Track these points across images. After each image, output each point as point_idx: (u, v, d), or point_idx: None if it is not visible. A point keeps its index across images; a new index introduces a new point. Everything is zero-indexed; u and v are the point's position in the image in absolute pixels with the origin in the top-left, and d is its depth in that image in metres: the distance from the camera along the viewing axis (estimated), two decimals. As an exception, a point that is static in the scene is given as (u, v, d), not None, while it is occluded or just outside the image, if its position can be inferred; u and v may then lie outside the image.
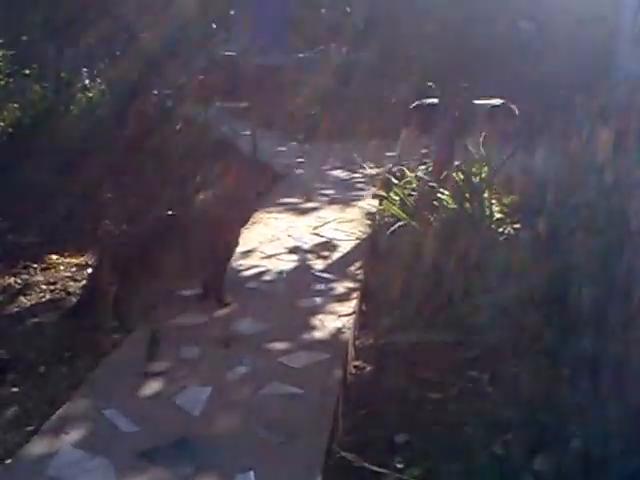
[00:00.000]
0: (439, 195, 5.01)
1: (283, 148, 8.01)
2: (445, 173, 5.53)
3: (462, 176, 5.45)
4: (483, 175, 5.64)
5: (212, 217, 3.48)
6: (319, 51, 10.75)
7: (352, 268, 4.03)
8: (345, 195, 5.81)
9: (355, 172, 6.74)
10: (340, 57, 10.47)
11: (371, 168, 6.88)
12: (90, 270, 4.15)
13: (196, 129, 8.50)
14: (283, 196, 5.79)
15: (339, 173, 6.69)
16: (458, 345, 3.32)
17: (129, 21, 7.96)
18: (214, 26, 9.74)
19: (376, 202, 5.59)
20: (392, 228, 3.88)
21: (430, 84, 8.39)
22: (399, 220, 4.31)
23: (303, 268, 4.02)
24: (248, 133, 7.95)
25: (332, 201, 5.62)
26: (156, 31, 8.10)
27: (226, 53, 11.01)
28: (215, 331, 3.10)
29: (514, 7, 10.95)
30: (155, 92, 8.25)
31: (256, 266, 4.00)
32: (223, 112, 10.19)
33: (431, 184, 5.34)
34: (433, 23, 9.59)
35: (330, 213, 5.26)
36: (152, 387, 2.63)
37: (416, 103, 6.94)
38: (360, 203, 5.56)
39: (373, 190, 5.99)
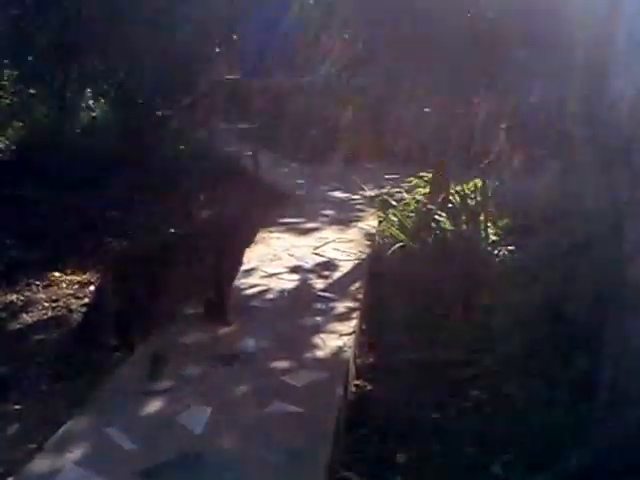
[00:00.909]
0: (436, 217, 5.04)
1: (285, 169, 8.04)
2: (442, 196, 5.57)
3: (459, 199, 5.48)
4: (479, 198, 5.67)
5: (216, 236, 3.47)
6: (320, 75, 10.80)
7: (352, 288, 4.02)
8: (345, 216, 5.82)
9: (355, 193, 6.76)
10: (340, 82, 10.52)
11: (370, 189, 6.90)
12: (93, 288, 4.14)
13: (199, 149, 8.54)
14: (285, 216, 5.80)
15: (339, 194, 6.71)
16: (458, 364, 3.31)
17: (134, 43, 7.99)
18: (217, 50, 9.82)
19: (375, 223, 5.60)
20: (392, 249, 3.87)
21: (427, 109, 8.47)
22: (398, 241, 4.33)
23: (304, 287, 4.01)
24: (250, 154, 7.99)
25: (332, 221, 5.63)
26: (160, 53, 8.15)
27: (229, 76, 11.09)
28: (218, 349, 3.09)
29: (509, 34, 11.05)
30: (159, 113, 8.29)
31: (258, 285, 3.99)
32: (226, 133, 10.24)
33: (429, 206, 5.37)
34: (433, 48, 9.66)
35: (330, 233, 5.26)
36: (154, 406, 2.61)
37: None
38: (360, 224, 5.57)
39: (372, 211, 6.00)
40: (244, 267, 4.29)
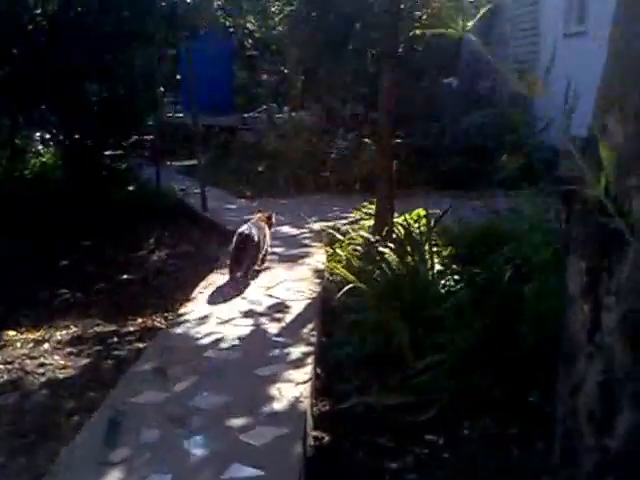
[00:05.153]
0: (382, 250, 4.98)
1: (232, 205, 7.88)
2: (387, 228, 5.51)
3: (402, 230, 5.43)
4: (422, 228, 5.63)
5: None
6: (262, 110, 10.75)
7: (305, 330, 3.90)
8: (294, 252, 5.71)
9: (302, 227, 6.65)
10: (282, 116, 10.48)
11: (316, 222, 6.82)
12: (48, 345, 3.93)
13: (148, 189, 8.33)
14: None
15: (287, 229, 6.59)
16: (412, 407, 3.22)
17: (80, 86, 7.77)
18: (162, 89, 9.65)
19: (323, 258, 5.51)
20: (340, 293, 3.77)
21: (367, 140, 8.48)
22: (346, 281, 4.23)
23: (258, 333, 3.88)
24: (198, 191, 7.82)
25: (282, 258, 5.51)
26: (106, 94, 7.95)
27: (174, 115, 10.92)
28: (173, 409, 2.93)
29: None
30: (107, 153, 8.04)
31: (212, 333, 3.83)
32: (173, 171, 10.04)
33: (374, 239, 5.30)
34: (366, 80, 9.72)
35: (281, 271, 5.14)
36: (113, 477, 2.44)
37: None
38: (308, 260, 5.46)
39: (320, 245, 5.91)
40: (198, 314, 4.16)
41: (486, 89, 11.35)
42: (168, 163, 10.31)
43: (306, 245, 5.94)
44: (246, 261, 4.76)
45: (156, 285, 5.22)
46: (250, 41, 11.75)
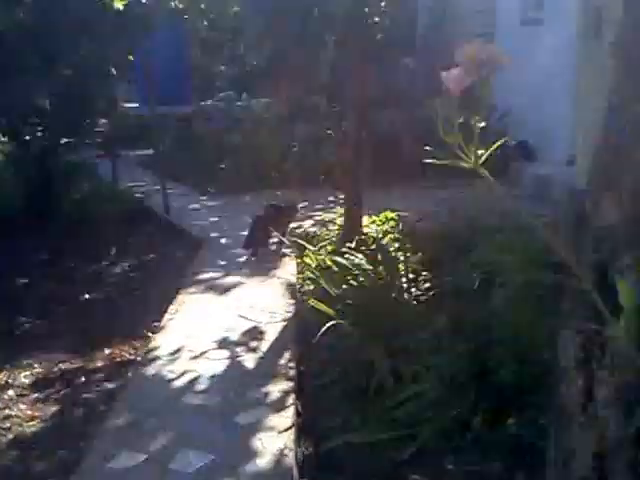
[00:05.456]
0: (354, 264, 4.87)
1: (196, 205, 7.61)
2: (356, 237, 5.38)
3: (371, 240, 5.31)
4: (394, 235, 5.52)
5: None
6: (220, 98, 10.40)
7: (283, 361, 3.77)
8: (263, 262, 5.54)
9: (269, 230, 6.47)
10: (241, 103, 10.16)
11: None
12: (12, 392, 3.71)
13: (104, 188, 8.00)
14: (202, 268, 5.46)
15: (254, 233, 6.39)
16: (396, 442, 3.14)
17: (26, 83, 7.34)
18: (113, 71, 9.21)
19: (294, 268, 5.36)
20: (318, 335, 3.62)
21: (329, 132, 8.27)
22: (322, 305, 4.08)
23: (235, 368, 3.72)
24: (158, 188, 7.53)
25: (251, 271, 5.34)
26: (57, 89, 7.54)
27: (128, 104, 10.50)
28: (154, 474, 2.77)
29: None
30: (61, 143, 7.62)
31: (187, 372, 3.66)
32: (129, 163, 9.68)
33: (344, 249, 5.17)
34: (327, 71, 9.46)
35: (252, 288, 4.97)
36: None
37: None
38: (279, 271, 5.30)
39: (289, 251, 5.75)
40: (170, 348, 3.98)
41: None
42: (123, 153, 9.95)
43: (275, 252, 5.76)
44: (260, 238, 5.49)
45: (122, 305, 4.99)
46: (205, 23, 11.31)
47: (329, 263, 4.37)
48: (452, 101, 1.32)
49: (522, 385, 3.29)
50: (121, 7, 6.55)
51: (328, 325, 3.50)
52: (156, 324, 4.48)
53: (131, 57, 10.00)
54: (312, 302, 3.67)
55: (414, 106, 9.43)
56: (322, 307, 3.66)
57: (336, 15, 8.83)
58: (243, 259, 5.63)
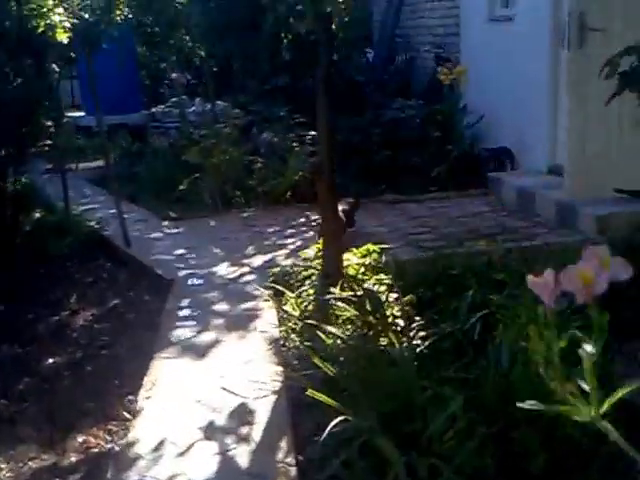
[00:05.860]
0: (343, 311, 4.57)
1: (158, 234, 7.09)
2: (341, 280, 5.05)
3: (356, 286, 4.99)
4: (379, 275, 5.22)
5: None
6: (172, 104, 9.80)
7: (280, 455, 3.42)
8: (240, 310, 5.14)
9: (241, 265, 6.06)
10: (194, 109, 9.60)
11: (253, 255, 6.26)
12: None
13: (56, 214, 7.41)
14: (174, 322, 5.03)
15: (225, 268, 5.98)
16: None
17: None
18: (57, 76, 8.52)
19: (274, 318, 4.98)
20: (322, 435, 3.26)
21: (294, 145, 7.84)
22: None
23: (227, 468, 3.36)
24: (113, 211, 7.00)
25: (228, 324, 4.94)
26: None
27: (74, 114, 9.81)
28: None
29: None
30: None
31: (174, 477, 3.29)
32: (80, 179, 9.07)
33: (328, 296, 4.86)
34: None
35: (232, 348, 4.58)
36: None
37: None
38: (259, 323, 4.91)
39: (267, 293, 5.35)
40: (151, 440, 3.59)
41: (403, 62, 10.83)
42: (73, 167, 9.32)
43: (252, 296, 5.36)
44: None
45: (90, 373, 4.55)
46: (150, 19, 10.58)
47: (319, 333, 4.02)
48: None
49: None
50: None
51: (332, 425, 3.14)
52: (131, 398, 4.09)
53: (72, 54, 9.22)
54: (310, 393, 3.31)
55: (378, 107, 9.06)
56: (322, 397, 3.30)
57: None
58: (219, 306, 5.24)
